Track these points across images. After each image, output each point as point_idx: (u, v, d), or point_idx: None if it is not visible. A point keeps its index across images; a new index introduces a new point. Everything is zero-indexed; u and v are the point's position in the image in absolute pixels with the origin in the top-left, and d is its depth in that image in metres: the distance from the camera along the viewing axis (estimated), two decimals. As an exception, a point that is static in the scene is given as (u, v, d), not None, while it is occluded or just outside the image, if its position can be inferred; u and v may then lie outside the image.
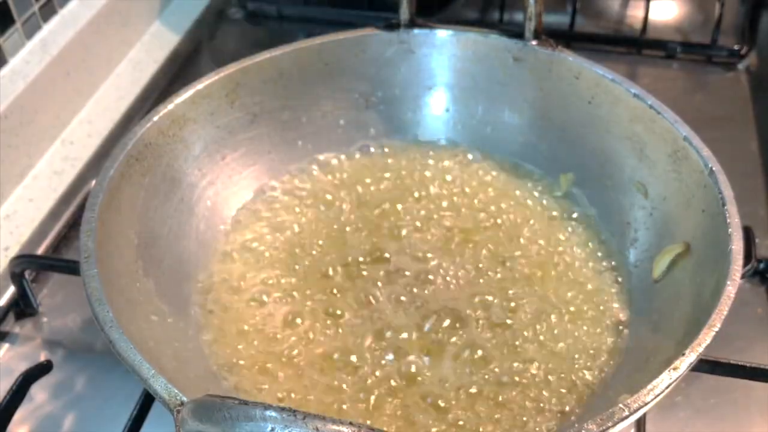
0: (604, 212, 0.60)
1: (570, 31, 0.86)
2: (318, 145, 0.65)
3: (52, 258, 0.64)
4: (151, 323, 0.49)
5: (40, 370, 0.52)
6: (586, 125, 0.61)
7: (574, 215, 0.61)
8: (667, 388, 0.40)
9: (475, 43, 0.64)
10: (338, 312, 0.55)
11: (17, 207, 0.67)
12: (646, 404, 0.39)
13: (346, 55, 0.64)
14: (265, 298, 0.56)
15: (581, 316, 0.54)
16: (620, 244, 0.58)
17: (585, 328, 0.53)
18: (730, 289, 0.44)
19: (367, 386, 0.50)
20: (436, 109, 0.67)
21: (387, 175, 0.65)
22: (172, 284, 0.54)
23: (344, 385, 0.50)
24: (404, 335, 0.53)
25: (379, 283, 0.56)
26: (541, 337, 0.53)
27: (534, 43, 0.61)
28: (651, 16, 0.87)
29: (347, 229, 0.61)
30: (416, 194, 0.63)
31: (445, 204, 0.63)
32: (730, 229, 0.47)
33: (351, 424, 0.31)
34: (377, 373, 0.51)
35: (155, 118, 0.55)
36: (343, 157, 0.66)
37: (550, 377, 0.51)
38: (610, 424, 0.38)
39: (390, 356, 0.52)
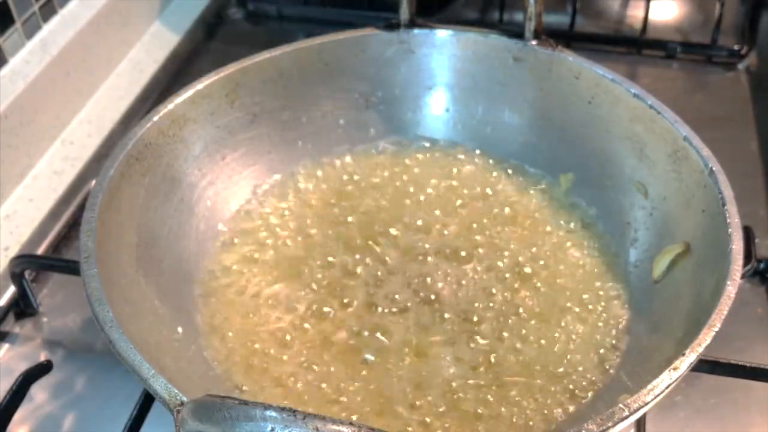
0: (604, 212, 0.60)
1: (570, 31, 0.86)
2: (318, 145, 0.65)
3: (52, 258, 0.64)
4: (151, 323, 0.49)
5: (40, 370, 0.52)
6: (586, 125, 0.61)
7: (574, 215, 0.61)
8: (667, 388, 0.40)
9: (475, 43, 0.64)
10: (339, 312, 0.55)
11: (17, 207, 0.67)
12: (646, 404, 0.39)
13: (346, 55, 0.64)
14: (264, 297, 0.56)
15: (581, 315, 0.54)
16: (620, 244, 0.58)
17: (585, 328, 0.53)
18: (730, 289, 0.44)
19: (369, 388, 0.50)
20: (436, 109, 0.67)
21: (387, 175, 0.65)
22: (172, 284, 0.54)
23: (345, 386, 0.50)
24: (404, 336, 0.53)
25: (380, 284, 0.56)
26: (541, 337, 0.53)
27: (534, 43, 0.61)
28: (651, 16, 0.87)
29: (347, 229, 0.61)
30: (416, 194, 0.63)
31: (445, 204, 0.62)
32: (730, 229, 0.47)
33: (351, 424, 0.31)
34: (378, 373, 0.51)
35: (155, 118, 0.55)
36: (343, 157, 0.66)
37: (549, 377, 0.51)
38: (610, 424, 0.38)
39: (391, 357, 0.52)
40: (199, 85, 0.58)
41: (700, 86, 0.82)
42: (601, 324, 0.54)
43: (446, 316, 0.54)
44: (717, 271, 0.46)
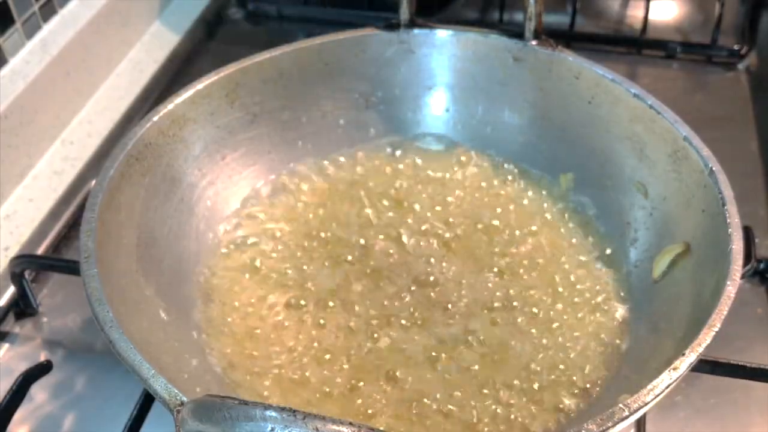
0: (604, 212, 0.60)
1: (570, 31, 0.86)
2: (318, 145, 0.65)
3: (52, 258, 0.64)
4: (150, 323, 0.49)
5: (40, 370, 0.52)
6: (586, 125, 0.61)
7: (574, 215, 0.61)
8: (667, 388, 0.40)
9: (475, 43, 0.64)
10: (339, 312, 0.55)
11: (17, 207, 0.67)
12: (646, 404, 0.39)
13: (346, 55, 0.64)
14: (264, 297, 0.56)
15: (581, 315, 0.54)
16: (620, 244, 0.58)
17: (585, 327, 0.53)
18: (730, 289, 0.44)
19: (367, 387, 0.50)
20: (436, 109, 0.67)
21: (387, 175, 0.65)
22: (172, 284, 0.54)
23: (349, 387, 0.50)
24: (404, 336, 0.53)
25: (380, 284, 0.56)
26: (540, 337, 0.53)
27: (534, 43, 0.61)
28: (651, 16, 0.87)
29: (347, 229, 0.61)
30: (416, 194, 0.63)
31: (444, 204, 0.62)
32: (730, 229, 0.47)
33: (351, 424, 0.31)
34: (377, 373, 0.51)
35: (155, 118, 0.55)
36: (343, 157, 0.66)
37: (549, 377, 0.51)
38: (610, 424, 0.38)
39: (390, 357, 0.52)
40: (199, 85, 0.58)
41: (700, 86, 0.82)
42: (601, 324, 0.54)
43: (445, 316, 0.54)
44: (717, 271, 0.46)
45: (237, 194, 0.62)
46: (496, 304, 0.55)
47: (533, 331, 0.53)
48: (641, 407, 0.39)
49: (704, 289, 0.47)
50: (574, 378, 0.50)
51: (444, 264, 0.58)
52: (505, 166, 0.65)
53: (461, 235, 0.60)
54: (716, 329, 0.42)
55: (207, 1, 0.92)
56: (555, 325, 0.54)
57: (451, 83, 0.66)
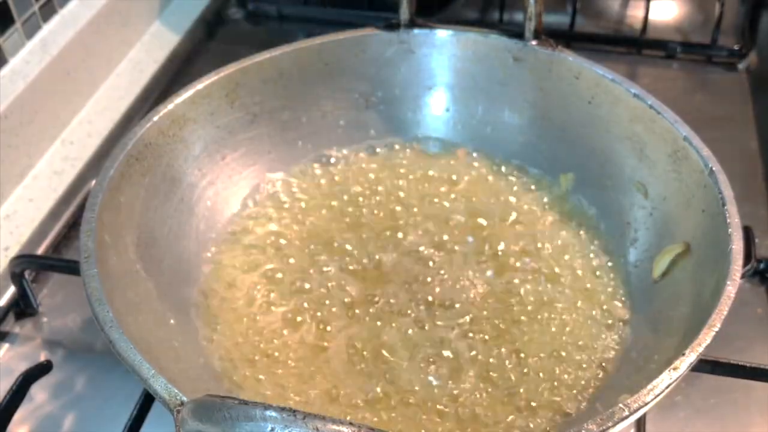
0: (604, 212, 0.60)
1: (570, 31, 0.86)
2: (318, 145, 0.65)
3: (52, 258, 0.64)
4: (151, 323, 0.49)
5: (40, 370, 0.52)
6: (586, 125, 0.61)
7: (574, 215, 0.61)
8: (667, 388, 0.40)
9: (475, 43, 0.64)
10: (339, 312, 0.55)
11: (17, 207, 0.67)
12: (646, 404, 0.39)
13: (346, 55, 0.64)
14: (265, 297, 0.56)
15: (581, 315, 0.54)
16: (620, 244, 0.58)
17: (585, 328, 0.53)
18: (730, 289, 0.44)
19: (370, 389, 0.50)
20: (436, 109, 0.67)
21: (387, 175, 0.65)
22: (172, 284, 0.54)
23: (349, 387, 0.50)
24: (404, 335, 0.53)
25: (380, 284, 0.56)
26: (540, 337, 0.53)
27: (534, 43, 0.61)
28: (651, 16, 0.87)
29: (347, 229, 0.61)
30: (416, 194, 0.63)
31: (445, 204, 0.62)
32: (730, 229, 0.47)
33: (351, 424, 0.31)
34: (377, 373, 0.51)
35: (155, 118, 0.55)
36: (343, 157, 0.66)
37: (549, 377, 0.51)
38: (610, 424, 0.38)
39: (390, 357, 0.52)
40: (199, 85, 0.58)
41: (700, 86, 0.82)
42: (601, 324, 0.54)
43: (445, 316, 0.54)
44: (717, 271, 0.46)
45: (237, 194, 0.62)
46: (495, 304, 0.55)
47: (533, 330, 0.53)
48: (641, 407, 0.39)
49: (704, 289, 0.47)
50: (574, 378, 0.50)
51: (444, 264, 0.58)
52: (505, 166, 0.65)
53: (461, 235, 0.60)
54: (716, 329, 0.42)
55: (207, 1, 0.92)
56: (555, 324, 0.54)
57: (451, 83, 0.66)
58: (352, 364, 0.52)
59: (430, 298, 0.55)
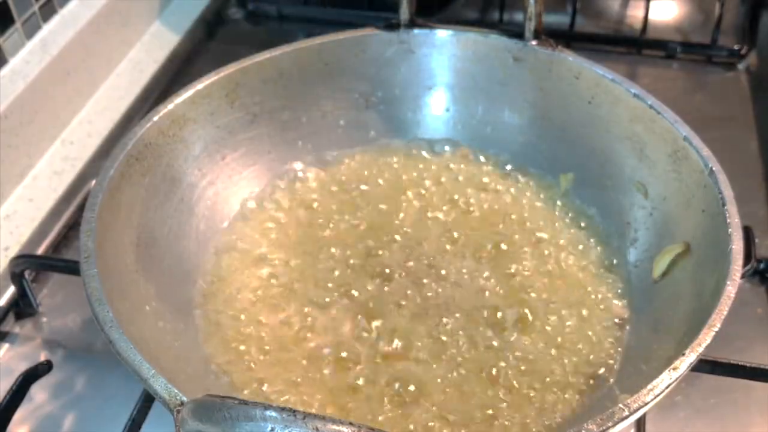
0: (604, 212, 0.60)
1: (570, 31, 0.86)
2: (318, 145, 0.65)
3: (52, 258, 0.64)
4: (150, 323, 0.49)
5: (40, 370, 0.52)
6: (586, 125, 0.61)
7: (574, 215, 0.61)
8: (667, 388, 0.40)
9: (475, 43, 0.64)
10: (340, 313, 0.55)
11: (17, 207, 0.67)
12: (646, 404, 0.39)
13: (346, 55, 0.64)
14: (264, 297, 0.56)
15: (581, 315, 0.54)
16: (620, 244, 0.58)
17: (585, 328, 0.53)
18: (730, 289, 0.44)
19: (367, 387, 0.50)
20: (436, 109, 0.67)
21: (387, 175, 0.65)
22: (172, 284, 0.54)
23: (347, 386, 0.50)
24: (404, 336, 0.53)
25: (380, 284, 0.56)
26: (540, 337, 0.53)
27: (534, 43, 0.61)
28: (651, 16, 0.87)
29: (347, 229, 0.61)
30: (416, 194, 0.63)
31: (445, 204, 0.62)
32: (730, 229, 0.47)
33: (351, 424, 0.31)
34: (378, 373, 0.51)
35: (155, 118, 0.55)
36: (343, 157, 0.66)
37: (549, 376, 0.51)
38: (610, 424, 0.38)
39: (390, 358, 0.52)
40: (199, 85, 0.58)
41: (700, 86, 0.82)
42: (601, 324, 0.54)
43: (445, 316, 0.54)
44: (717, 271, 0.46)
45: (237, 194, 0.62)
46: (495, 304, 0.55)
47: (531, 330, 0.53)
48: (641, 407, 0.39)
49: (704, 289, 0.47)
50: (574, 377, 0.50)
51: (443, 263, 0.58)
52: (505, 166, 0.65)
53: (461, 234, 0.60)
54: (716, 329, 0.42)
55: (207, 1, 0.92)
56: (554, 324, 0.54)
57: (451, 83, 0.66)
58: (354, 366, 0.52)
59: (431, 296, 0.55)
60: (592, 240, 0.59)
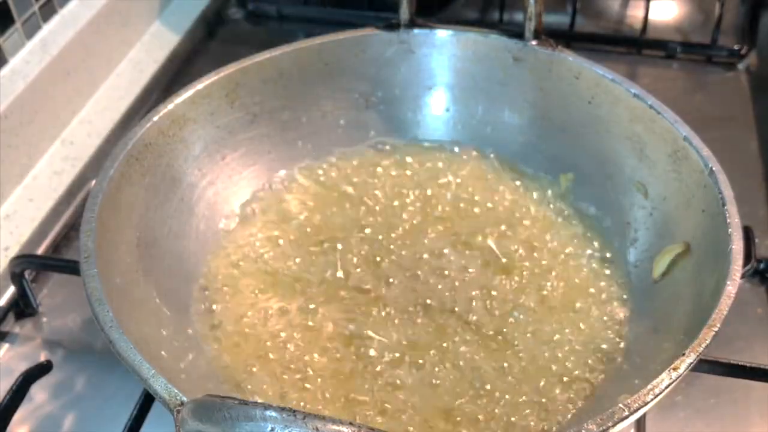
0: (604, 212, 0.60)
1: (570, 31, 0.86)
2: (318, 145, 0.65)
3: (52, 258, 0.64)
4: (151, 323, 0.49)
5: (40, 370, 0.52)
6: (586, 125, 0.61)
7: (574, 215, 0.61)
8: (667, 388, 0.40)
9: (475, 43, 0.64)
10: (340, 313, 0.55)
11: (17, 207, 0.67)
12: (646, 404, 0.39)
13: (346, 55, 0.64)
14: (264, 297, 0.56)
15: (581, 315, 0.54)
16: (620, 244, 0.58)
17: (585, 327, 0.53)
18: (730, 289, 0.44)
19: (368, 387, 0.50)
20: (436, 109, 0.67)
21: (387, 175, 0.65)
22: (172, 284, 0.54)
23: (349, 387, 0.50)
24: (404, 336, 0.53)
25: (380, 284, 0.56)
26: (541, 337, 0.53)
27: (534, 43, 0.61)
28: (651, 16, 0.87)
29: (347, 229, 0.61)
30: (416, 194, 0.63)
31: (445, 204, 0.62)
32: (730, 229, 0.47)
33: (351, 424, 0.31)
34: (377, 375, 0.51)
35: (155, 118, 0.55)
36: (343, 157, 0.66)
37: (549, 376, 0.51)
38: (610, 424, 0.38)
39: (390, 358, 0.52)
40: (199, 85, 0.58)
41: (700, 86, 0.82)
42: (601, 324, 0.54)
43: (445, 316, 0.54)
44: (717, 271, 0.46)
45: (237, 194, 0.62)
46: (495, 303, 0.55)
47: (532, 330, 0.53)
48: (641, 407, 0.39)
49: (704, 289, 0.47)
50: (574, 377, 0.50)
51: (443, 263, 0.58)
52: (505, 166, 0.65)
53: (461, 235, 0.60)
54: (716, 329, 0.42)
55: (207, 1, 0.92)
56: (554, 324, 0.54)
57: (451, 83, 0.66)
58: (355, 366, 0.52)
59: (429, 299, 0.55)
60: (592, 240, 0.59)
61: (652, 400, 0.39)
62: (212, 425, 0.32)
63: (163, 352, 0.46)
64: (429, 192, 0.64)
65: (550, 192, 0.63)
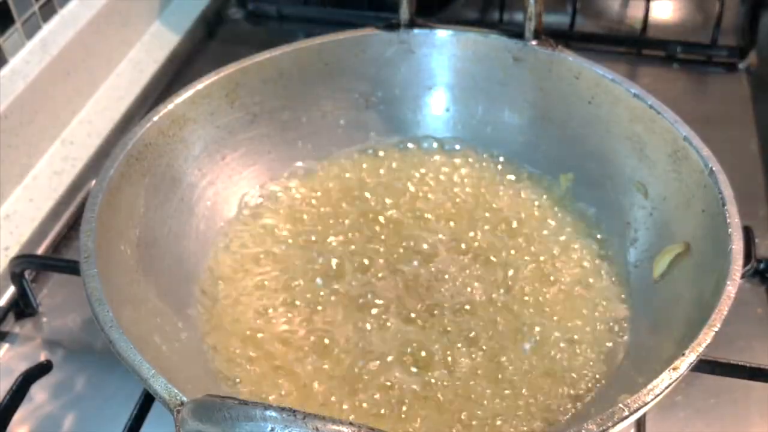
0: (604, 212, 0.60)
1: (570, 31, 0.86)
2: (318, 145, 0.65)
3: (52, 258, 0.64)
4: (151, 323, 0.49)
5: (40, 370, 0.52)
6: (586, 125, 0.61)
7: (574, 215, 0.61)
8: (667, 388, 0.40)
9: (475, 43, 0.64)
10: (340, 312, 0.55)
11: (17, 207, 0.67)
12: (646, 404, 0.39)
13: (346, 55, 0.64)
14: (265, 297, 0.56)
15: (581, 315, 0.54)
16: (620, 244, 0.58)
17: (585, 327, 0.53)
18: (730, 289, 0.44)
19: (367, 387, 0.50)
20: (436, 109, 0.67)
21: (387, 175, 0.65)
22: (172, 284, 0.54)
23: (348, 387, 0.50)
24: (404, 336, 0.53)
25: (380, 284, 0.56)
26: (540, 337, 0.53)
27: (534, 43, 0.61)
28: (651, 16, 0.87)
29: (347, 229, 0.61)
30: (416, 194, 0.63)
31: (444, 204, 0.62)
32: (730, 229, 0.47)
33: (351, 424, 0.31)
34: (376, 376, 0.51)
35: (155, 118, 0.55)
36: (343, 157, 0.66)
37: (549, 376, 0.51)
38: (610, 424, 0.38)
39: (391, 359, 0.52)
40: (199, 85, 0.58)
41: (700, 86, 0.82)
42: (601, 324, 0.54)
43: (445, 316, 0.54)
44: (717, 271, 0.46)
45: (237, 194, 0.62)
46: (495, 303, 0.55)
47: (531, 330, 0.53)
48: (641, 407, 0.39)
49: (704, 289, 0.47)
50: (574, 377, 0.50)
51: (443, 264, 0.58)
52: (505, 166, 0.65)
53: (461, 235, 0.60)
54: (716, 329, 0.42)
55: (207, 1, 0.92)
56: (554, 324, 0.54)
57: (451, 83, 0.66)
58: (355, 366, 0.52)
59: (428, 299, 0.55)
60: (591, 240, 0.59)
61: (652, 400, 0.39)
62: (212, 425, 0.32)
63: (163, 352, 0.46)
64: (429, 192, 0.63)
65: (550, 192, 0.63)
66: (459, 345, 0.52)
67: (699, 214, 0.51)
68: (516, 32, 0.62)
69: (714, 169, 0.50)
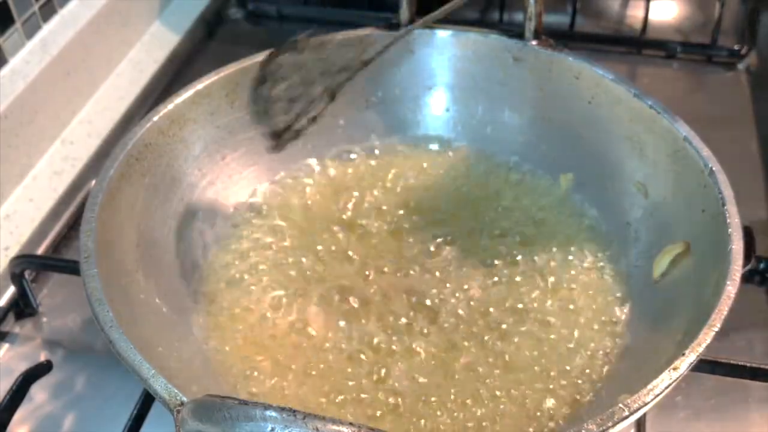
0: (604, 212, 0.60)
1: (570, 31, 0.86)
2: (318, 145, 0.65)
3: (52, 258, 0.64)
4: (151, 323, 0.49)
5: (40, 370, 0.52)
6: (586, 125, 0.61)
7: (574, 215, 0.61)
8: (667, 388, 0.40)
9: (475, 43, 0.64)
10: (340, 313, 0.55)
11: (17, 207, 0.67)
12: (646, 404, 0.39)
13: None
14: (264, 297, 0.56)
15: (581, 315, 0.54)
16: (620, 244, 0.58)
17: (585, 327, 0.53)
18: (730, 289, 0.44)
19: (368, 387, 0.50)
20: (436, 109, 0.67)
21: (386, 175, 0.65)
22: (172, 284, 0.54)
23: (348, 387, 0.50)
24: (404, 336, 0.53)
25: (380, 285, 0.56)
26: (541, 337, 0.53)
27: (534, 43, 0.61)
28: (651, 16, 0.87)
29: (347, 229, 0.61)
30: (416, 194, 0.63)
31: (443, 204, 0.62)
32: (730, 229, 0.47)
33: (351, 424, 0.31)
34: (380, 373, 0.51)
35: (155, 118, 0.55)
36: (342, 157, 0.66)
37: (549, 376, 0.51)
38: (610, 424, 0.38)
39: (391, 360, 0.52)
40: (199, 85, 0.58)
41: (700, 86, 0.82)
42: (601, 324, 0.54)
43: (443, 315, 0.54)
44: (717, 271, 0.46)
45: (237, 194, 0.62)
46: (495, 304, 0.55)
47: (533, 330, 0.53)
48: (641, 407, 0.39)
49: (704, 289, 0.47)
50: (574, 377, 0.50)
51: (442, 264, 0.58)
52: (505, 166, 0.65)
53: (461, 235, 0.60)
54: (716, 329, 0.42)
55: (207, 1, 0.92)
56: (554, 324, 0.54)
57: (451, 83, 0.66)
58: (356, 366, 0.52)
59: (427, 299, 0.55)
60: (591, 240, 0.59)
61: (652, 400, 0.39)
62: (212, 425, 0.32)
63: (163, 352, 0.46)
64: (428, 192, 0.63)
65: (550, 192, 0.63)
66: (456, 344, 0.52)
67: (699, 214, 0.51)
68: (516, 32, 0.62)
69: (714, 169, 0.50)
